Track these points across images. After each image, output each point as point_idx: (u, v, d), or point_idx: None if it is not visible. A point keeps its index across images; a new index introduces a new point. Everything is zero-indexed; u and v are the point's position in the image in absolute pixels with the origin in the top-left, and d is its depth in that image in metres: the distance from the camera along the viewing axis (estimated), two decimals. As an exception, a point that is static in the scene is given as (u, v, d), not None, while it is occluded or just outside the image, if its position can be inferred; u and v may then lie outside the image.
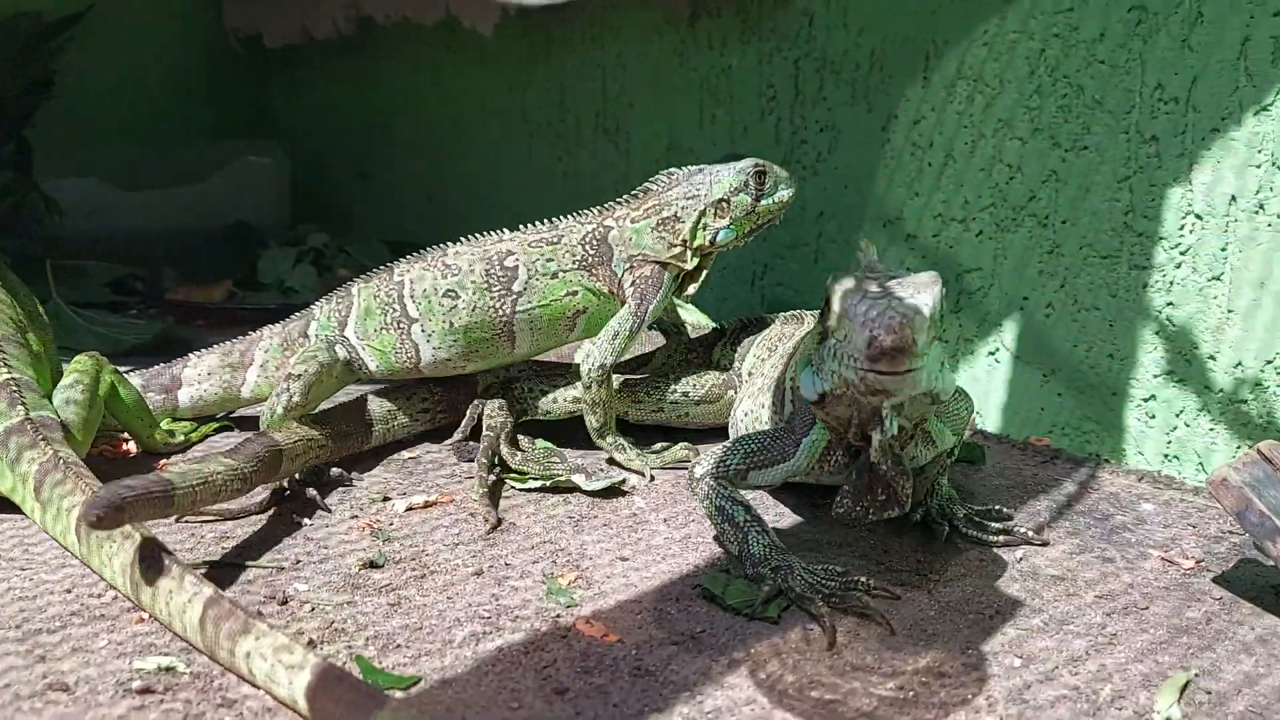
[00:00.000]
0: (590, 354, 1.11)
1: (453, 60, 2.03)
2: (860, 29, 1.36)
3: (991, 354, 1.29)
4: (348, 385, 1.19)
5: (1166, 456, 1.14)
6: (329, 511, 1.02)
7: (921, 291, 0.73)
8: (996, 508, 1.00)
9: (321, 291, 1.80)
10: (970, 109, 1.26)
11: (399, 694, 0.71)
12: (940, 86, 1.29)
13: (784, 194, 1.11)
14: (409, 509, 1.03)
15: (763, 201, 1.10)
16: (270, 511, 1.02)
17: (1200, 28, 1.07)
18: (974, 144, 1.27)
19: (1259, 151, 1.05)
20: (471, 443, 1.18)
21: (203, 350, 1.24)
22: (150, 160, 2.14)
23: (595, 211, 1.16)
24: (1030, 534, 0.95)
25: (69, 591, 0.86)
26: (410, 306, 1.14)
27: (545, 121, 1.87)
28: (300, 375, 1.11)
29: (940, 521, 0.97)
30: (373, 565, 0.91)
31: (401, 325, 1.14)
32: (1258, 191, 1.05)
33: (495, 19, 1.83)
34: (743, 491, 0.92)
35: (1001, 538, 0.95)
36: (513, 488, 1.08)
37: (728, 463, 0.91)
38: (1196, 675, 0.75)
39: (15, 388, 1.02)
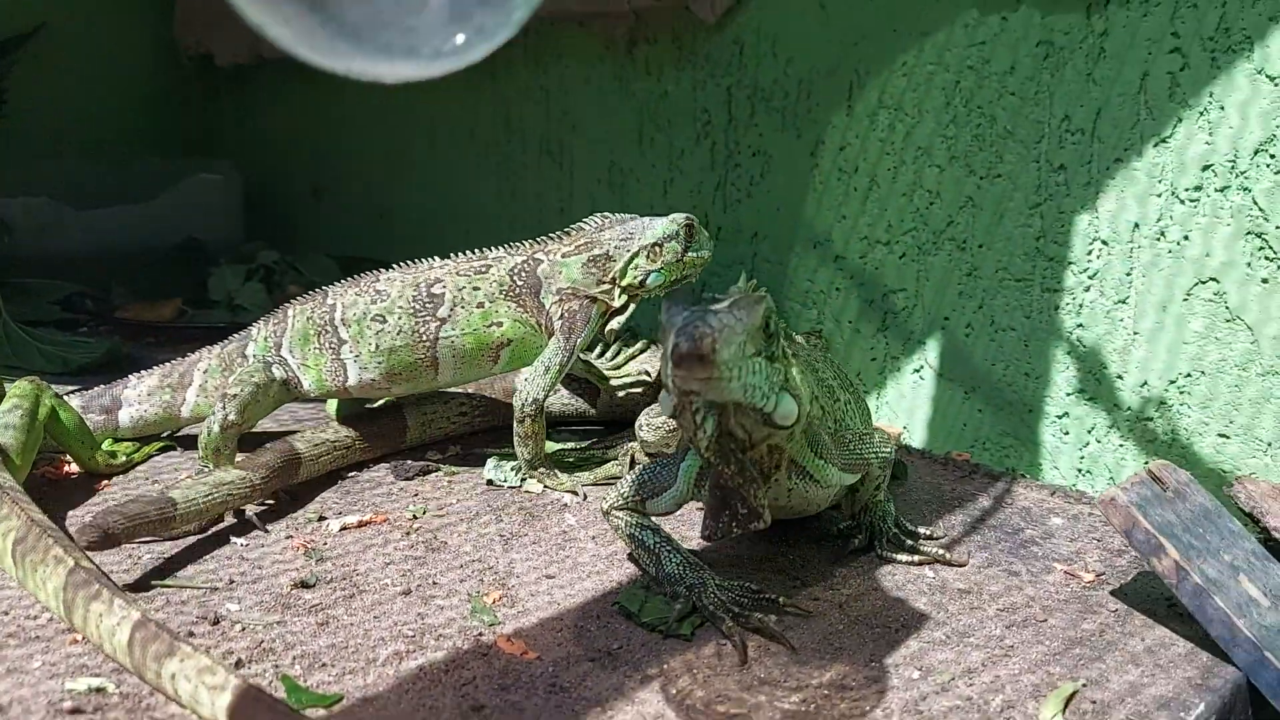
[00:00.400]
0: (523, 389, 1.15)
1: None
2: (788, 59, 1.41)
3: (916, 371, 1.34)
4: (285, 404, 1.21)
5: (1080, 471, 1.19)
6: (266, 531, 1.05)
7: (737, 310, 0.75)
8: (927, 532, 1.04)
9: (270, 308, 1.83)
10: (892, 137, 1.31)
11: (321, 712, 0.74)
12: (864, 115, 1.34)
13: (705, 252, 1.17)
14: (343, 528, 1.06)
15: (689, 253, 1.15)
16: (206, 533, 1.04)
17: (1103, 62, 1.12)
18: (896, 170, 1.31)
19: (1159, 181, 1.10)
20: (410, 462, 1.21)
21: (143, 372, 1.26)
22: (100, 178, 2.15)
23: (527, 244, 1.20)
24: (945, 555, 0.99)
25: (6, 614, 0.88)
26: (341, 329, 1.17)
27: (492, 142, 1.90)
28: (236, 395, 1.14)
29: (858, 534, 1.01)
30: (304, 585, 0.93)
31: (333, 346, 1.17)
32: (1158, 219, 1.11)
33: (442, 42, 1.86)
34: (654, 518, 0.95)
35: (916, 557, 0.99)
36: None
37: (625, 494, 0.95)
38: (1084, 685, 0.80)
39: (-47, 413, 1.04)
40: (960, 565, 0.98)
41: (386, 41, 0.44)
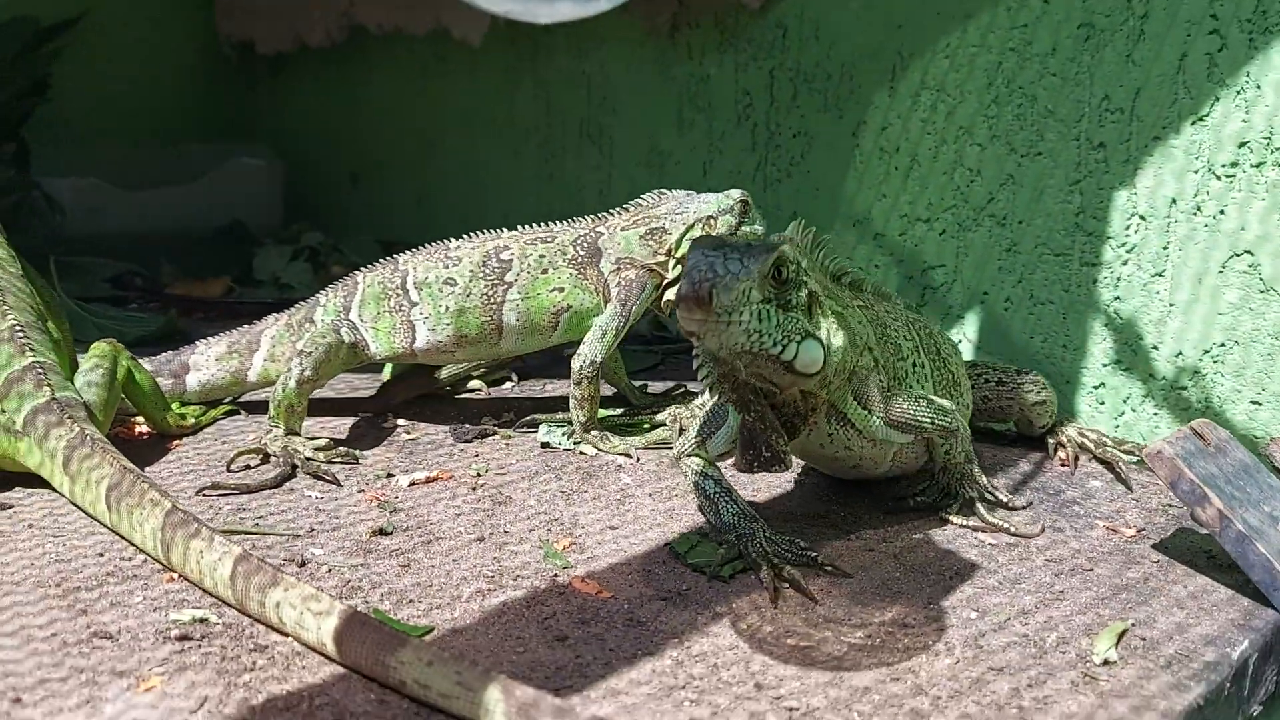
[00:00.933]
0: (581, 352, 1.19)
1: (442, 68, 2.11)
2: (831, 42, 1.45)
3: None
4: (351, 367, 1.25)
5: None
6: (339, 485, 1.09)
7: (746, 258, 0.79)
8: (1008, 499, 1.04)
9: (317, 287, 1.87)
10: (933, 117, 1.36)
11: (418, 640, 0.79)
12: (906, 96, 1.38)
13: (759, 227, 1.21)
14: (412, 484, 1.10)
15: (743, 228, 1.20)
16: (282, 486, 1.09)
17: (1143, 44, 1.17)
18: (937, 149, 1.36)
19: (1196, 158, 1.14)
20: (467, 425, 1.26)
21: (209, 338, 1.31)
22: (147, 162, 2.20)
23: (588, 219, 1.25)
24: (1011, 527, 0.99)
25: (101, 555, 0.93)
26: (412, 292, 1.22)
27: (532, 127, 1.94)
28: (311, 353, 1.19)
29: (926, 494, 1.05)
30: (382, 532, 0.98)
31: (402, 309, 1.22)
32: (1195, 195, 1.15)
33: (484, 29, 1.91)
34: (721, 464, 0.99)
35: (981, 523, 1.01)
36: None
37: (689, 437, 1.00)
38: (1133, 625, 0.84)
39: (41, 370, 1.09)
40: (1033, 536, 0.99)
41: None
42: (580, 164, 1.85)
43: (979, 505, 1.02)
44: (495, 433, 1.26)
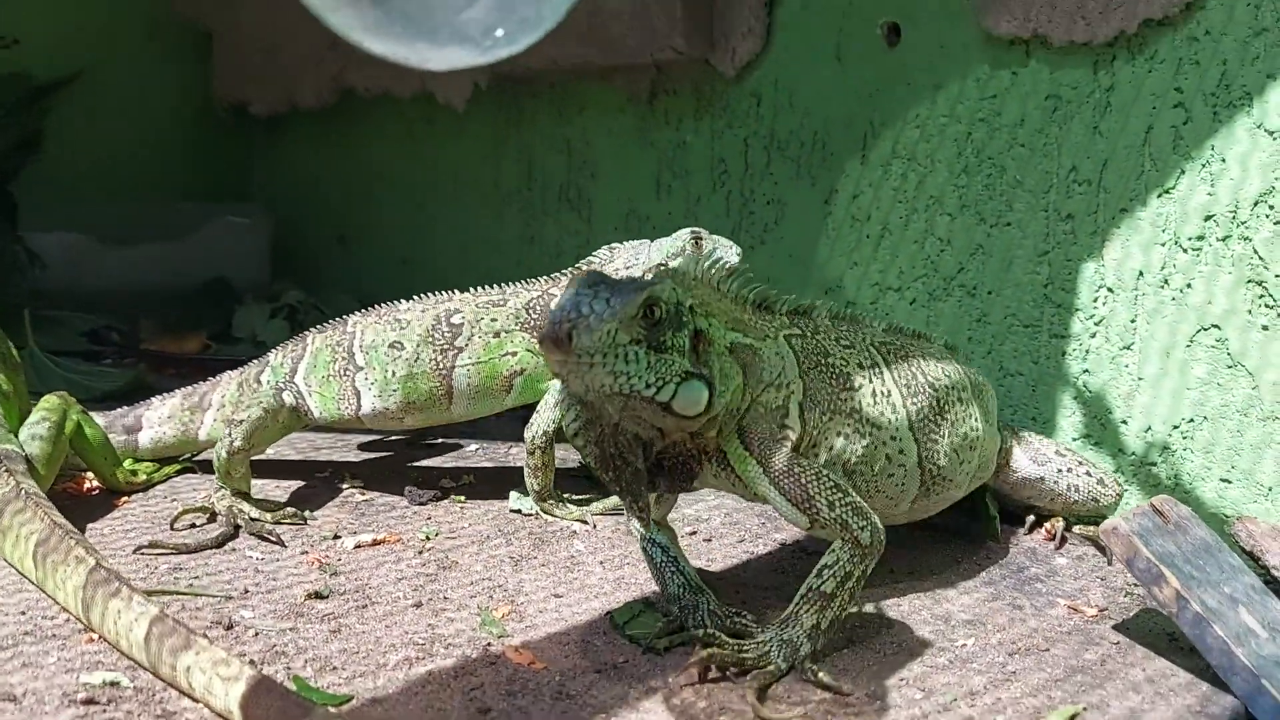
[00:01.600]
0: (534, 421, 1.17)
1: (429, 131, 2.12)
2: (805, 110, 1.45)
3: (925, 416, 1.36)
4: (294, 431, 1.22)
5: (1085, 516, 1.20)
6: (283, 545, 1.07)
7: (612, 298, 0.75)
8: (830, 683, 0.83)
9: (292, 346, 1.86)
10: (904, 186, 1.35)
11: (331, 709, 0.75)
12: (877, 164, 1.38)
13: (726, 258, 1.16)
14: (357, 546, 1.08)
15: (716, 261, 1.16)
16: (224, 546, 1.07)
17: (1109, 116, 1.16)
18: (908, 218, 1.35)
19: (1162, 231, 1.13)
20: (421, 490, 1.23)
21: (165, 394, 1.29)
22: (133, 218, 2.21)
23: (542, 280, 1.23)
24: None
25: (24, 613, 0.90)
26: (358, 356, 1.19)
27: (515, 190, 1.95)
28: (243, 421, 1.15)
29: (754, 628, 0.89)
30: (318, 596, 0.95)
31: (348, 373, 1.19)
32: (1162, 268, 1.13)
33: (467, 94, 1.93)
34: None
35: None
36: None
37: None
38: (1085, 709, 0.80)
39: (-18, 425, 1.07)
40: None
41: (437, 29, 0.47)
42: (560, 228, 1.85)
43: (800, 651, 0.84)
44: (449, 496, 1.23)
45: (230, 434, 1.14)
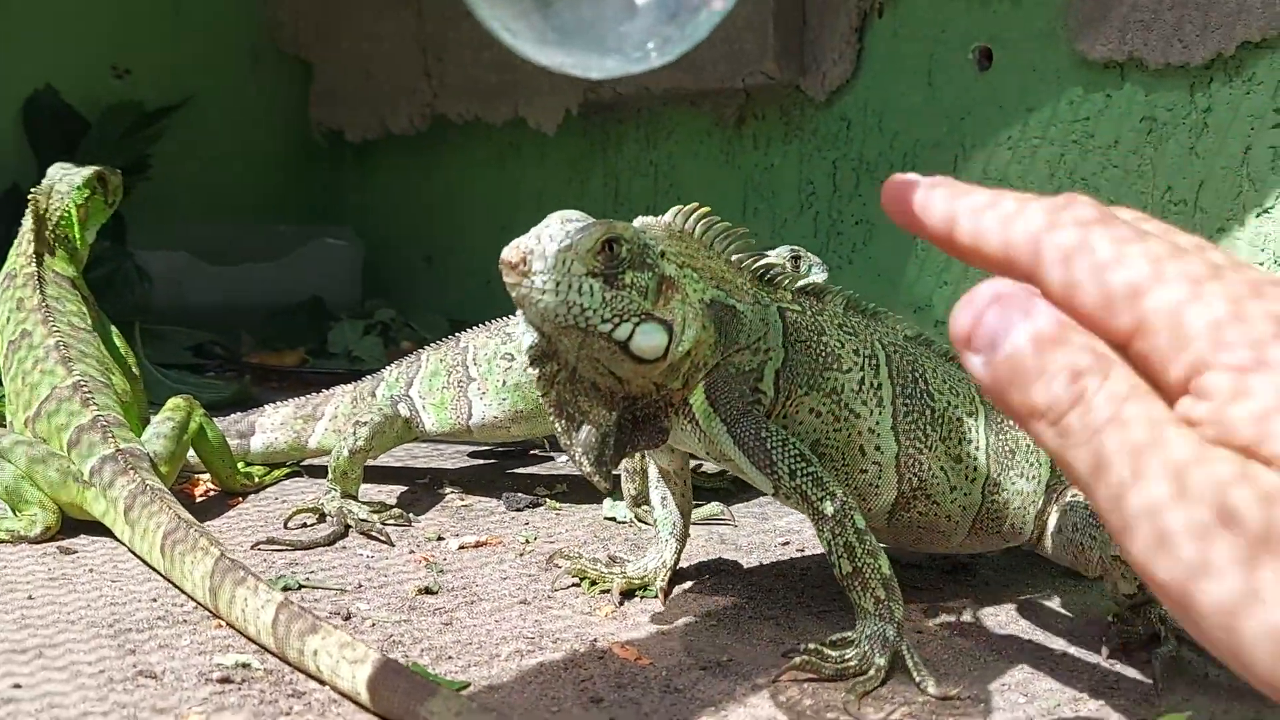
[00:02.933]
0: None
1: (516, 155, 2.19)
2: (894, 133, 1.47)
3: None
4: (405, 442, 1.27)
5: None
6: (391, 544, 1.11)
7: (571, 230, 0.78)
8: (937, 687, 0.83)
9: (388, 361, 1.93)
10: (995, 206, 1.36)
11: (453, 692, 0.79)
12: (968, 185, 1.39)
13: (816, 274, 1.18)
14: (461, 547, 1.11)
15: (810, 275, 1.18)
16: (335, 544, 1.11)
17: (1206, 137, 1.17)
18: (998, 238, 1.36)
19: (1261, 250, 1.13)
20: (520, 494, 1.27)
21: (278, 402, 1.35)
22: (236, 239, 2.31)
23: None
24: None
25: (155, 600, 0.95)
26: (471, 368, 1.24)
27: (599, 213, 1.99)
28: (367, 423, 1.21)
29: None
30: (428, 591, 0.99)
31: (461, 385, 1.24)
32: (1262, 286, 1.13)
33: (559, 119, 1.98)
34: None
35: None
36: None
37: None
38: (1191, 716, 0.80)
39: (105, 423, 1.13)
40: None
41: (595, 41, 0.51)
42: (646, 249, 1.89)
43: (888, 638, 0.83)
44: (544, 503, 1.27)
45: (355, 434, 1.19)
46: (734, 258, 0.90)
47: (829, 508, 0.83)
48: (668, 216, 0.89)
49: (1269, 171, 1.12)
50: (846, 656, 0.83)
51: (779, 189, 1.64)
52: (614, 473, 0.87)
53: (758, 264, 0.91)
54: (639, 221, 0.88)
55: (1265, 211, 1.12)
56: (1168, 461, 0.38)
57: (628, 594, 0.98)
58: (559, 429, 0.84)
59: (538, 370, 0.83)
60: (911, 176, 0.52)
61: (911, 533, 0.97)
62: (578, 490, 1.32)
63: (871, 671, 0.83)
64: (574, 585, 1.01)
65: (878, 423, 0.92)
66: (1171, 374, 0.40)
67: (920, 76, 1.44)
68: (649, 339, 0.80)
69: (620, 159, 1.95)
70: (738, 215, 1.72)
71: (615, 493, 1.26)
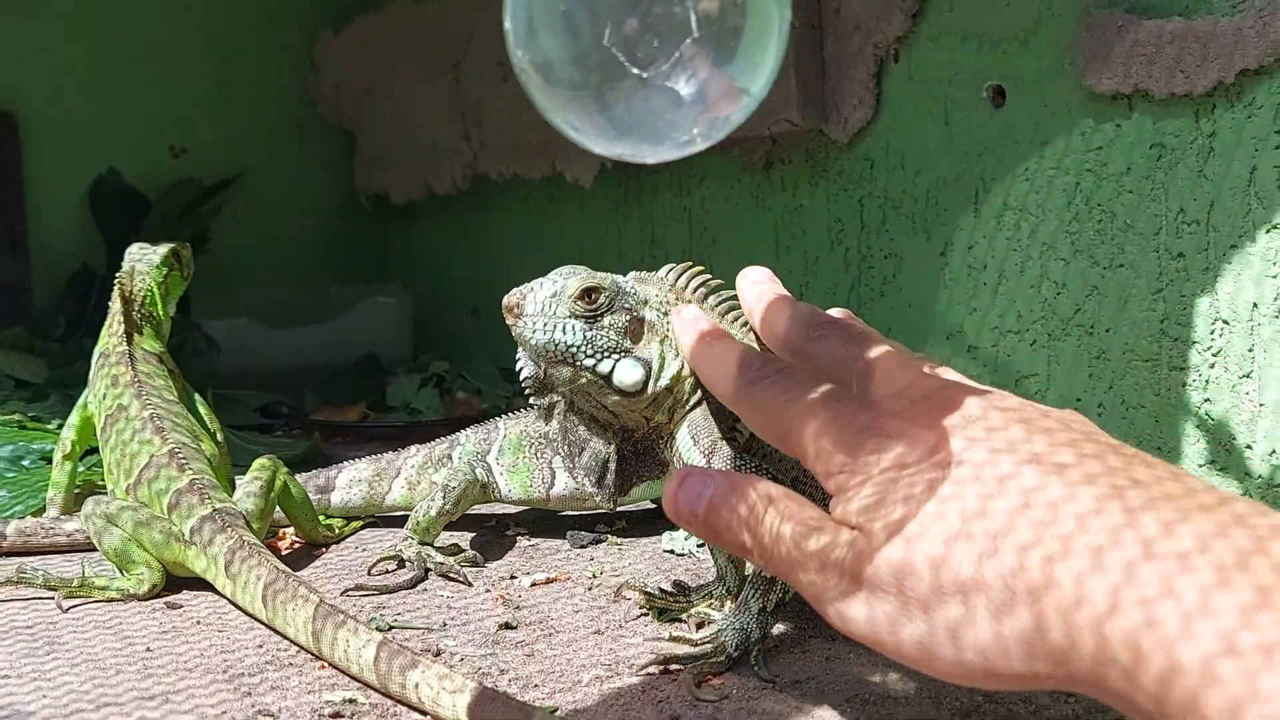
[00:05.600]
0: None
1: (554, 208, 2.29)
2: (916, 170, 1.55)
3: (1050, 452, 1.42)
4: (479, 504, 1.35)
5: (1217, 541, 1.25)
6: (469, 585, 1.19)
7: (557, 278, 0.95)
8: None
9: (444, 412, 2.02)
10: (1017, 235, 1.43)
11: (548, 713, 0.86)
12: (990, 217, 1.47)
13: None
14: (533, 584, 1.19)
15: None
16: (416, 587, 1.19)
17: (1213, 160, 1.23)
18: (1023, 265, 1.43)
19: (1273, 264, 1.19)
20: (583, 532, 1.35)
21: (356, 460, 1.44)
22: (291, 303, 2.43)
23: None
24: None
25: (260, 647, 1.04)
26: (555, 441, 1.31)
27: (637, 257, 2.08)
28: (454, 488, 1.28)
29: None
30: (508, 626, 1.07)
31: (543, 455, 1.32)
32: (1275, 299, 1.19)
33: (594, 172, 2.08)
34: None
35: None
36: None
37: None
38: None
39: (202, 485, 1.22)
40: None
41: (651, 135, 0.60)
42: (685, 291, 1.97)
43: (750, 636, 0.95)
44: (606, 539, 1.34)
45: (443, 497, 1.27)
46: (727, 312, 1.00)
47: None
48: (661, 271, 1.02)
49: (1275, 190, 1.18)
50: (704, 650, 0.95)
51: (809, 228, 1.72)
52: (620, 499, 1.01)
53: (742, 316, 1.01)
54: (635, 275, 1.02)
55: (1274, 228, 1.18)
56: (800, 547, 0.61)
57: (700, 625, 1.05)
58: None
59: (536, 400, 1.00)
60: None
61: None
62: (637, 525, 1.39)
63: (722, 658, 0.94)
64: (643, 615, 1.08)
65: None
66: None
67: (937, 116, 1.52)
68: (628, 374, 0.93)
69: (655, 206, 2.04)
70: (770, 254, 1.80)
71: (672, 528, 1.33)
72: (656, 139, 0.60)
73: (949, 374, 0.65)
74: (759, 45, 0.60)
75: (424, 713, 0.88)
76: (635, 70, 0.60)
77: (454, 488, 1.28)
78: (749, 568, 0.99)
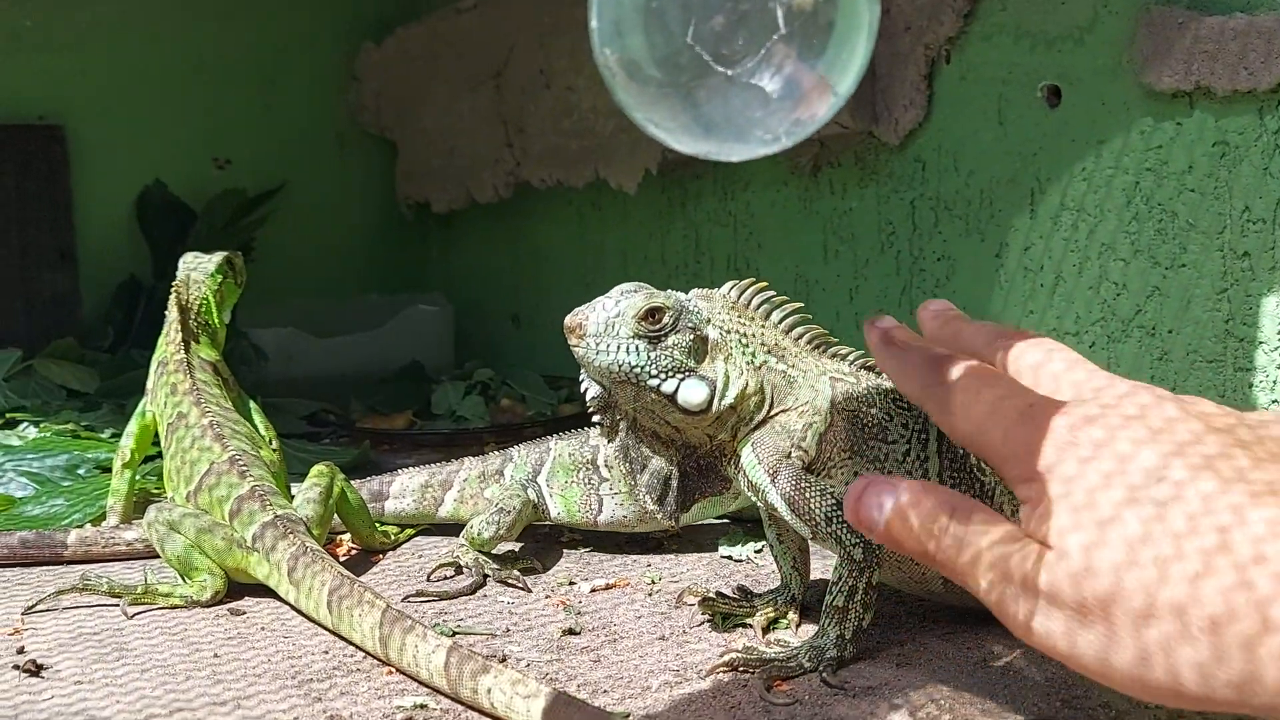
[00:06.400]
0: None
1: (597, 215, 2.29)
2: (970, 171, 1.54)
3: (1111, 455, 1.40)
4: (530, 523, 1.33)
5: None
6: (528, 590, 1.19)
7: (620, 299, 0.94)
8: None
9: (489, 419, 2.03)
10: (1075, 235, 1.42)
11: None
12: (1046, 217, 1.45)
13: None
14: (593, 590, 1.19)
15: None
16: (475, 593, 1.19)
17: (1278, 156, 1.21)
18: (1080, 266, 1.41)
19: (1344, 261, 1.17)
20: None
21: (410, 469, 1.44)
22: (335, 312, 2.44)
23: None
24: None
25: (326, 653, 1.04)
26: (603, 469, 1.30)
27: (681, 264, 2.08)
28: (510, 511, 1.27)
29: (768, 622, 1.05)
30: (571, 632, 1.06)
31: (591, 483, 1.30)
32: (1347, 296, 1.17)
33: (639, 178, 2.08)
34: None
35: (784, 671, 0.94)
36: None
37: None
38: None
39: (263, 492, 1.23)
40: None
41: (736, 133, 0.59)
42: (730, 296, 1.97)
43: (825, 655, 0.93)
44: (663, 544, 1.34)
45: (498, 520, 1.26)
46: (792, 329, 1.00)
47: (859, 554, 0.93)
48: (724, 289, 1.00)
49: (1344, 186, 1.16)
50: (778, 656, 0.94)
51: (859, 231, 1.71)
52: (681, 515, 1.01)
53: (812, 334, 1.01)
54: (697, 292, 1.00)
55: (1344, 225, 1.16)
56: (990, 559, 0.61)
57: (767, 629, 1.04)
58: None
59: (601, 419, 0.98)
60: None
61: (971, 598, 1.02)
62: (692, 531, 1.39)
63: (793, 664, 0.93)
64: (707, 621, 1.08)
65: None
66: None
67: (991, 116, 1.51)
68: (693, 393, 0.93)
69: (699, 211, 2.03)
70: (818, 258, 1.79)
71: (733, 532, 1.32)
72: (741, 136, 0.60)
73: (1140, 386, 0.64)
74: (848, 42, 0.60)
75: (496, 718, 0.87)
76: (721, 68, 0.60)
77: (509, 511, 1.27)
78: (814, 574, 0.99)
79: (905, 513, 0.64)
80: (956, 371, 0.66)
